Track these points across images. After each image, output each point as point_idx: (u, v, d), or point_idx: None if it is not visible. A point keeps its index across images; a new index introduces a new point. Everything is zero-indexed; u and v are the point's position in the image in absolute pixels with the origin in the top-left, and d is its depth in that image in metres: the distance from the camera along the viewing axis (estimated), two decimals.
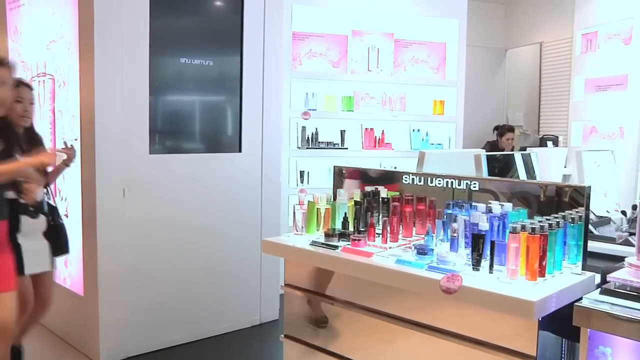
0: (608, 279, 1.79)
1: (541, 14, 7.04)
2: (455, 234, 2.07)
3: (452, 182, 2.36)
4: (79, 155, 3.39)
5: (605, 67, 5.33)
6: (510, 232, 1.89)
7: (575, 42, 5.74)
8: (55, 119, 3.68)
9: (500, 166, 2.97)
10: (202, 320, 3.65)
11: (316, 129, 4.76)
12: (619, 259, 1.90)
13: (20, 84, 2.83)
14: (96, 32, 3.18)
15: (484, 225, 1.97)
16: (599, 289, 1.80)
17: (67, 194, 3.59)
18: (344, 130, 4.83)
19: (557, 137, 6.36)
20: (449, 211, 2.20)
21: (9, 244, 2.52)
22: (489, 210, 2.09)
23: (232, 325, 3.79)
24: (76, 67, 3.37)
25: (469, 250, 1.99)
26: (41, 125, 3.85)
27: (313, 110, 4.72)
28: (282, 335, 2.48)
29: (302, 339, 2.38)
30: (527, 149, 4.94)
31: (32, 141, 2.88)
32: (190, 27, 3.71)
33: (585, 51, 5.62)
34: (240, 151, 3.79)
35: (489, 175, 2.74)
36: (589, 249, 2.06)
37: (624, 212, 3.04)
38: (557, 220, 1.98)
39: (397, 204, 2.30)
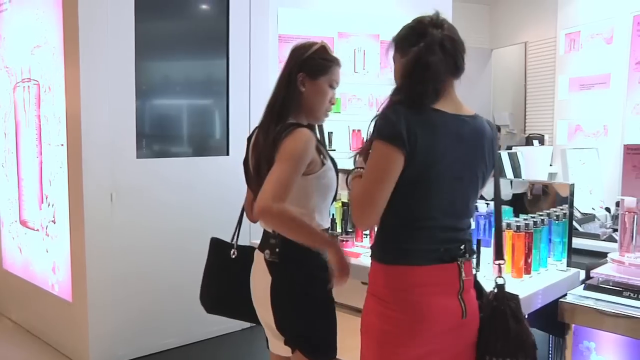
0: (592, 275, 1.82)
1: (525, 14, 7.11)
2: None
3: None
4: (65, 161, 3.38)
5: (589, 66, 5.39)
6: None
7: (559, 41, 5.80)
8: (41, 125, 3.66)
9: None
10: (192, 324, 3.65)
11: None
12: (604, 255, 1.94)
13: None
14: (81, 37, 3.17)
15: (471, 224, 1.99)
16: (583, 284, 1.82)
17: (54, 200, 3.57)
18: (331, 132, 4.84)
19: (543, 135, 6.42)
20: None
21: None
22: (475, 209, 2.11)
23: (222, 328, 3.78)
24: (61, 72, 3.35)
25: None
26: (27, 131, 3.83)
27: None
28: None
29: None
30: (513, 148, 5.00)
31: None
32: (176, 30, 3.70)
33: (569, 50, 5.68)
34: (228, 154, 3.79)
35: None
36: (574, 246, 2.10)
37: (608, 209, 3.09)
38: (542, 217, 2.01)
39: None
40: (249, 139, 1.89)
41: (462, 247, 1.54)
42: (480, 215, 2.08)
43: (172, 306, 3.57)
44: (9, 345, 3.82)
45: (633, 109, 4.84)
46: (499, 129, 6.21)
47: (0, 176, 4.26)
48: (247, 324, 3.92)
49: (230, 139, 3.80)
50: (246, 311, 1.87)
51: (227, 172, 3.76)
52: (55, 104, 3.46)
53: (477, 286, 1.61)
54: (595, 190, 3.54)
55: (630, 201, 1.83)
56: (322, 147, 1.79)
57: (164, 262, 3.55)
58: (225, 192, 3.77)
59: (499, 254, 1.64)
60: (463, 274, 1.51)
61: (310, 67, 1.77)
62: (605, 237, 2.55)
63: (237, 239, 1.96)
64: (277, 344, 1.84)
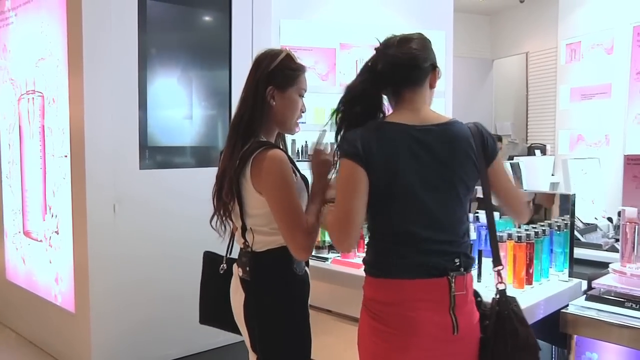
0: (593, 286, 1.82)
1: (526, 25, 7.15)
2: None
3: None
4: (69, 172, 3.40)
5: (590, 76, 5.41)
6: (498, 242, 1.91)
7: (559, 51, 5.83)
8: (44, 136, 3.68)
9: None
10: (194, 335, 3.64)
11: (306, 141, 4.78)
12: (606, 265, 1.94)
13: None
14: (85, 49, 3.19)
15: (472, 235, 2.00)
16: (585, 295, 1.82)
17: (57, 211, 3.59)
18: (334, 143, 4.86)
19: (545, 145, 6.43)
20: None
21: None
22: (476, 219, 2.12)
23: (224, 339, 3.76)
24: (65, 83, 3.38)
25: None
26: (31, 142, 3.86)
27: (302, 123, 4.73)
28: None
29: None
30: (515, 158, 5.01)
31: None
32: (179, 42, 3.73)
33: (569, 61, 5.70)
34: None
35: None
36: (576, 256, 2.10)
37: (610, 219, 3.09)
38: (544, 228, 2.02)
39: None
40: (221, 154, 1.86)
41: (457, 260, 1.52)
42: (482, 226, 2.08)
43: (175, 317, 3.57)
44: (12, 356, 3.82)
45: (634, 119, 4.85)
46: (500, 138, 6.22)
47: (4, 187, 4.28)
48: None
49: None
50: (235, 324, 1.87)
51: None
52: (59, 115, 3.49)
53: (476, 296, 1.60)
54: (597, 200, 3.54)
55: (631, 211, 1.84)
56: (293, 164, 1.75)
57: (167, 272, 3.55)
58: None
59: (496, 261, 1.64)
60: (453, 289, 1.49)
61: (278, 79, 1.71)
62: (607, 247, 2.55)
63: (229, 253, 1.93)
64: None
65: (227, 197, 1.70)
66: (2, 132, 4.27)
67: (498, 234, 1.90)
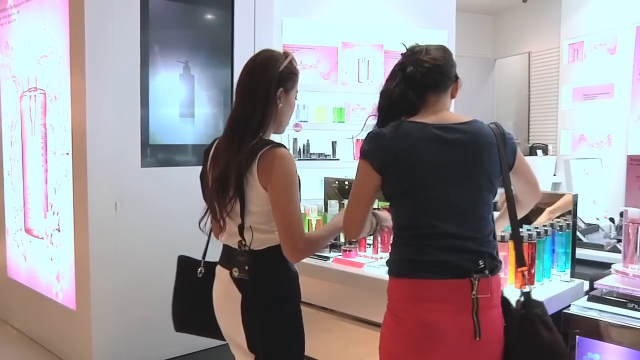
0: (595, 286, 1.82)
1: (528, 24, 7.13)
2: None
3: None
4: (70, 170, 3.40)
5: (592, 76, 5.40)
6: (499, 241, 1.91)
7: (562, 51, 5.81)
8: (46, 134, 3.68)
9: None
10: None
11: (307, 140, 4.78)
12: (608, 265, 1.93)
13: None
14: (87, 47, 3.19)
15: None
16: (587, 295, 1.82)
17: (59, 208, 3.59)
18: (335, 142, 4.86)
19: (547, 145, 6.42)
20: None
21: None
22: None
23: None
24: (67, 81, 3.38)
25: None
26: (33, 140, 3.86)
27: (304, 122, 4.75)
28: None
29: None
30: None
31: None
32: (181, 40, 3.73)
33: (572, 61, 5.69)
34: None
35: None
36: (578, 256, 2.09)
37: (612, 219, 3.08)
38: (546, 228, 2.01)
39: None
40: (206, 152, 1.87)
41: (481, 262, 1.49)
42: None
43: None
44: (13, 354, 3.83)
45: (637, 119, 4.84)
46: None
47: (6, 184, 4.29)
48: None
49: None
50: (215, 329, 1.86)
51: None
52: (61, 113, 3.49)
53: (505, 303, 1.56)
54: (599, 201, 3.53)
55: (633, 212, 1.83)
56: None
57: (168, 270, 3.51)
58: None
59: (520, 261, 1.62)
60: (475, 291, 1.45)
61: (286, 81, 1.74)
62: (609, 247, 2.54)
63: (204, 256, 1.93)
64: None
65: (231, 194, 1.68)
66: (4, 130, 4.27)
67: (499, 234, 1.91)
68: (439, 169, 1.51)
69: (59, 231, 3.58)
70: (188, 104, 3.80)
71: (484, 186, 1.54)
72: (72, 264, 3.43)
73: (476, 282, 1.46)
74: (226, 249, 1.79)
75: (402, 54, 1.66)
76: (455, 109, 5.94)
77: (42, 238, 3.80)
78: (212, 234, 1.90)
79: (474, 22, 7.42)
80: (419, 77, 1.58)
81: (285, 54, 1.75)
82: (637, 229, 1.81)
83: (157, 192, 3.51)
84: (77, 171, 3.33)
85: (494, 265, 1.52)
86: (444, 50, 1.65)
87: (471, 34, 7.23)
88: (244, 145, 1.67)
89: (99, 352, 3.31)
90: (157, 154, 3.67)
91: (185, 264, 1.99)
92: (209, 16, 3.99)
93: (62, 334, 3.63)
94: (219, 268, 1.81)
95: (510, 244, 1.89)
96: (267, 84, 1.70)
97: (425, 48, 1.63)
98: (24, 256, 4.07)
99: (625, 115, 4.94)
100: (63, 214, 3.54)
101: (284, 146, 1.71)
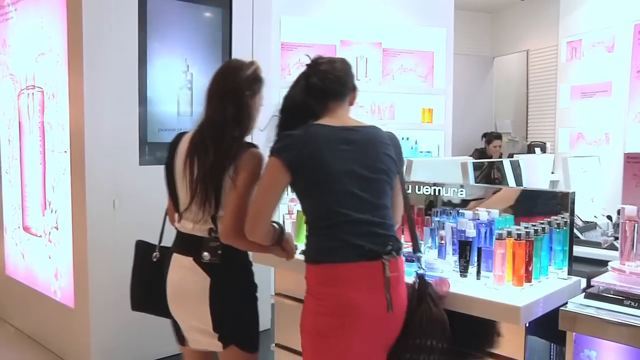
0: (593, 283, 1.82)
1: (527, 23, 7.14)
2: (442, 241, 2.10)
3: (439, 189, 2.39)
4: (68, 168, 3.40)
5: (590, 74, 5.41)
6: (496, 239, 1.92)
7: (560, 49, 5.83)
8: (44, 132, 3.68)
9: (487, 173, 3.01)
10: None
11: None
12: (605, 263, 1.93)
13: None
14: (85, 44, 3.19)
15: (471, 232, 2.00)
16: (584, 293, 1.82)
17: (57, 206, 3.59)
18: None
19: (545, 143, 6.44)
20: (437, 218, 2.23)
21: None
22: (475, 217, 2.12)
23: None
24: (65, 79, 3.38)
25: (456, 257, 2.02)
26: (31, 138, 3.85)
27: None
28: (274, 345, 2.49)
29: (294, 348, 2.39)
30: (515, 155, 5.01)
31: None
32: (179, 38, 3.72)
33: (570, 59, 5.70)
34: None
35: (476, 182, 2.78)
36: (575, 254, 2.10)
37: (609, 217, 3.09)
38: (543, 226, 2.02)
39: None
40: (173, 144, 2.09)
41: (390, 244, 1.72)
42: (481, 224, 2.08)
43: None
44: (11, 352, 3.83)
45: (635, 117, 4.85)
46: (500, 136, 6.22)
47: (4, 182, 4.28)
48: None
49: None
50: (166, 308, 2.05)
51: None
52: (59, 111, 3.49)
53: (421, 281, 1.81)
54: (597, 198, 3.54)
55: (630, 210, 1.84)
56: None
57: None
58: None
59: (416, 248, 1.90)
60: (387, 271, 1.69)
61: (256, 85, 1.96)
62: (606, 245, 2.55)
63: (160, 241, 2.13)
64: (204, 341, 2.01)
65: (215, 192, 1.88)
66: (1, 128, 4.26)
67: (497, 231, 1.92)
68: (346, 165, 1.72)
69: (57, 229, 3.58)
70: (186, 102, 3.80)
71: (384, 180, 1.78)
72: (70, 262, 3.43)
73: (387, 263, 1.69)
74: (189, 237, 1.95)
75: (307, 65, 1.87)
76: (454, 107, 5.97)
77: (40, 236, 3.79)
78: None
79: (473, 20, 7.43)
80: (321, 86, 1.82)
81: (253, 62, 1.99)
82: (634, 227, 1.82)
83: (155, 190, 3.48)
84: (75, 169, 3.32)
85: (398, 247, 1.77)
86: (343, 62, 1.88)
87: (469, 32, 7.24)
88: (226, 146, 1.87)
89: (97, 349, 3.31)
90: (156, 152, 3.67)
91: (142, 249, 2.16)
92: (207, 14, 3.98)
93: (60, 331, 3.63)
94: (177, 256, 1.98)
95: (508, 241, 1.90)
96: (237, 88, 1.92)
97: (328, 60, 1.86)
98: (22, 254, 4.07)
99: (623, 113, 4.95)
100: (61, 212, 3.54)
101: (257, 146, 1.94)
